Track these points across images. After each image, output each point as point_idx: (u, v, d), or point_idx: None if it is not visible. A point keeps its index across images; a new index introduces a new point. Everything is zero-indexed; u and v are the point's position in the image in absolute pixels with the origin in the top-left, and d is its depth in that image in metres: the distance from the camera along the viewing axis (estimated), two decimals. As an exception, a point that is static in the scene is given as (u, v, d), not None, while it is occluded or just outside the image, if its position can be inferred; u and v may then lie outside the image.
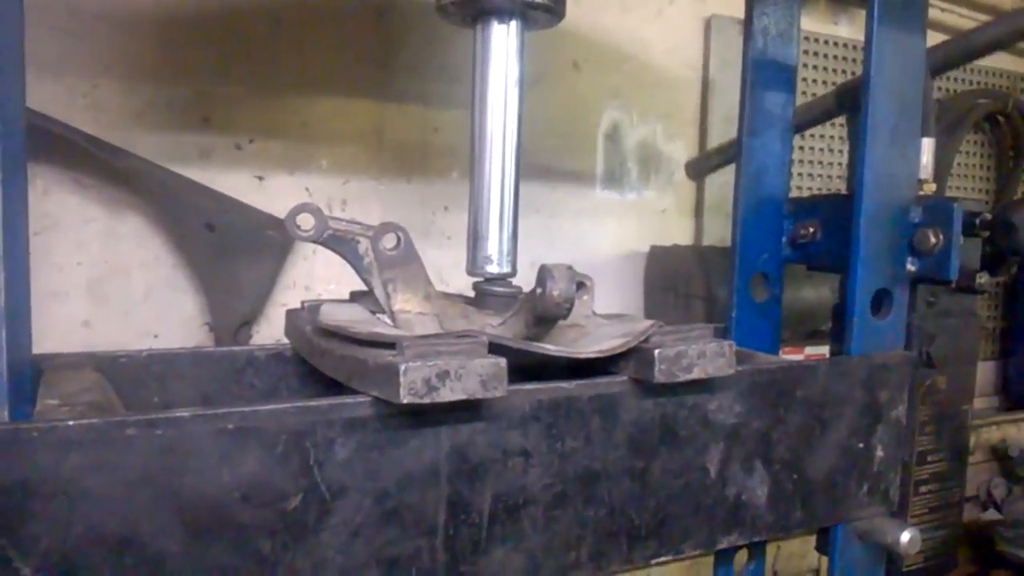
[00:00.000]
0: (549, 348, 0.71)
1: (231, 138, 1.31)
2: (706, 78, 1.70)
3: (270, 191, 1.33)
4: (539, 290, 0.71)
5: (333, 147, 1.38)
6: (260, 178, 1.34)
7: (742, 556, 1.07)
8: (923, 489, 1.02)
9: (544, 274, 0.71)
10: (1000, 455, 1.85)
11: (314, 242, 0.77)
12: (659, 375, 0.71)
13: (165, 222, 1.26)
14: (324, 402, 0.63)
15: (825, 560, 1.20)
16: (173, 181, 1.24)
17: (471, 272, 0.85)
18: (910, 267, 0.96)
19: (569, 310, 0.71)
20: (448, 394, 0.61)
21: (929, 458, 1.02)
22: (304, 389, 0.86)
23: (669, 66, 1.68)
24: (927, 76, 0.98)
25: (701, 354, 0.73)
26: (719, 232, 1.70)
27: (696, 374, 0.73)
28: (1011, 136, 2.11)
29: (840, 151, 1.84)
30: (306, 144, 1.36)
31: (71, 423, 0.55)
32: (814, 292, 1.43)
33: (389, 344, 0.66)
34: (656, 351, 0.71)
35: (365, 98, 1.39)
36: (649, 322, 0.76)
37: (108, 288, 1.26)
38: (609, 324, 0.82)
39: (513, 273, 0.86)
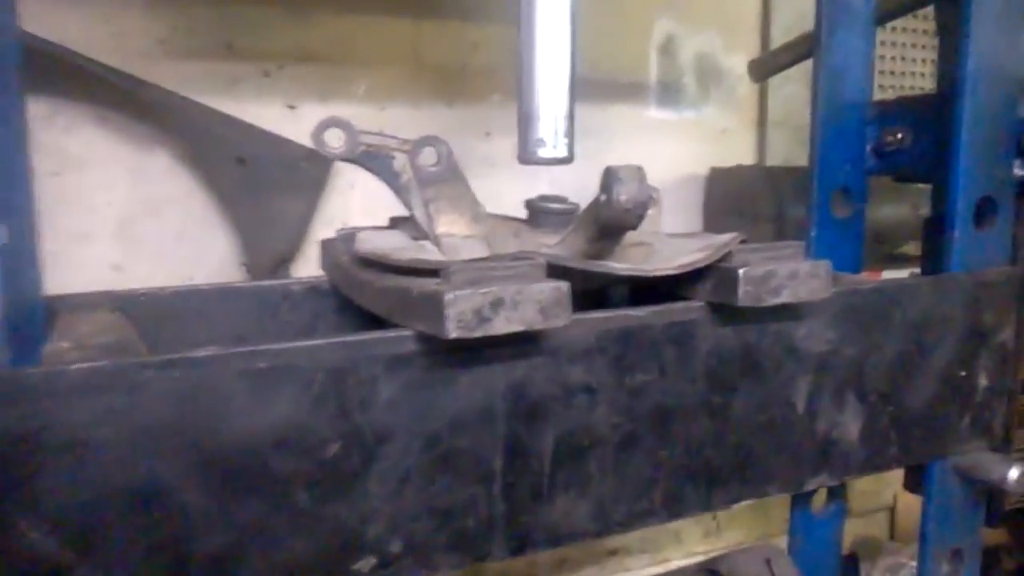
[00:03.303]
0: (617, 267, 0.62)
1: (259, 64, 1.23)
2: (768, -19, 1.56)
3: (303, 121, 1.24)
4: (603, 196, 0.62)
5: (368, 71, 1.28)
6: (292, 107, 1.25)
7: (820, 494, 0.99)
8: (1029, 420, 0.92)
9: (609, 176, 0.61)
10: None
11: (345, 159, 0.69)
12: (743, 298, 0.62)
13: (194, 157, 1.19)
14: (364, 336, 0.56)
15: (902, 496, 1.11)
16: (200, 113, 1.17)
17: (522, 158, 0.74)
18: (1018, 171, 0.86)
19: (640, 218, 0.62)
20: (503, 325, 0.54)
21: (1036, 387, 0.92)
22: (344, 325, 0.79)
23: (725, -32, 1.54)
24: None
25: (792, 275, 0.64)
26: (784, 151, 1.58)
27: (786, 298, 0.64)
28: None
29: (923, 46, 1.69)
30: (339, 68, 1.27)
31: (78, 367, 0.48)
32: (893, 209, 1.31)
33: (433, 271, 0.58)
34: (740, 271, 0.62)
35: (399, 14, 1.29)
36: (731, 235, 0.67)
37: (138, 229, 1.20)
38: (680, 241, 0.73)
39: (570, 158, 0.75)
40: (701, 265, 0.64)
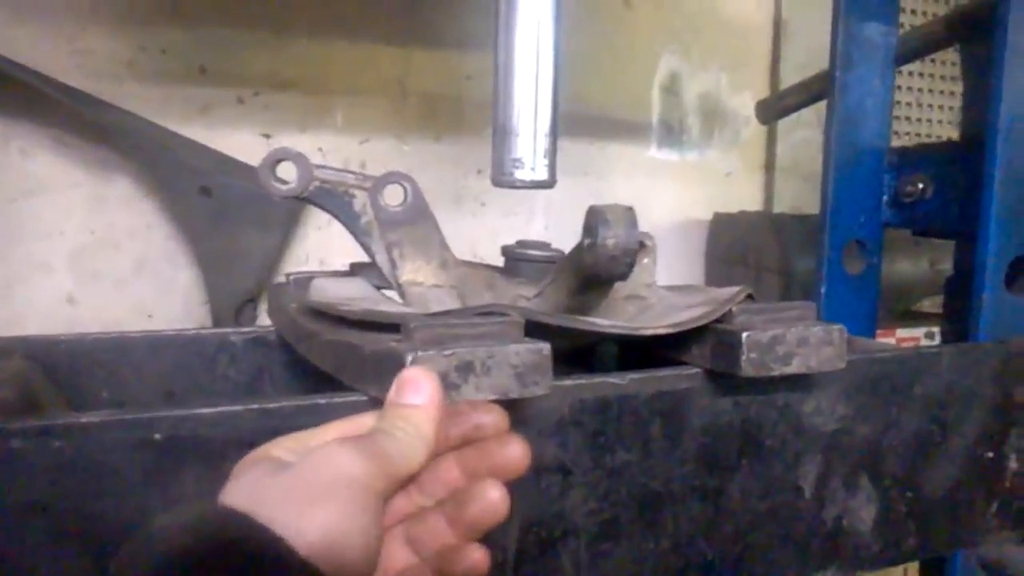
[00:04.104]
0: (601, 324, 0.53)
1: (233, 90, 1.15)
2: (778, 18, 1.49)
3: (278, 150, 1.17)
4: (587, 240, 0.53)
5: (349, 100, 1.21)
6: (266, 136, 1.18)
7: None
8: (1062, 506, 0.82)
9: (594, 217, 0.52)
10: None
11: (296, 197, 0.60)
12: (747, 367, 0.54)
13: (157, 186, 1.11)
14: (292, 402, 0.47)
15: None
16: (166, 139, 1.09)
17: (496, 180, 0.65)
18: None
19: (629, 267, 0.53)
20: (472, 393, 0.45)
21: (1070, 468, 0.82)
22: (292, 382, 0.70)
23: (735, 4, 1.47)
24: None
25: (803, 340, 0.55)
26: (792, 198, 1.50)
27: (795, 367, 0.55)
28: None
29: (939, 92, 1.61)
30: (318, 97, 1.19)
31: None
32: (910, 264, 1.22)
33: (391, 326, 0.49)
34: (743, 334, 0.53)
35: (386, 41, 1.22)
36: (734, 289, 0.58)
37: (95, 260, 1.12)
38: (678, 296, 0.64)
39: (551, 182, 0.65)
40: (698, 324, 0.55)
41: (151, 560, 0.32)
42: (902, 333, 1.27)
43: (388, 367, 0.45)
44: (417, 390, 0.42)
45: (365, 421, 0.43)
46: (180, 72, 1.12)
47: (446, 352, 0.46)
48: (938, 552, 0.75)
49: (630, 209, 0.54)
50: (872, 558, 0.70)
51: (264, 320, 1.15)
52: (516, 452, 0.44)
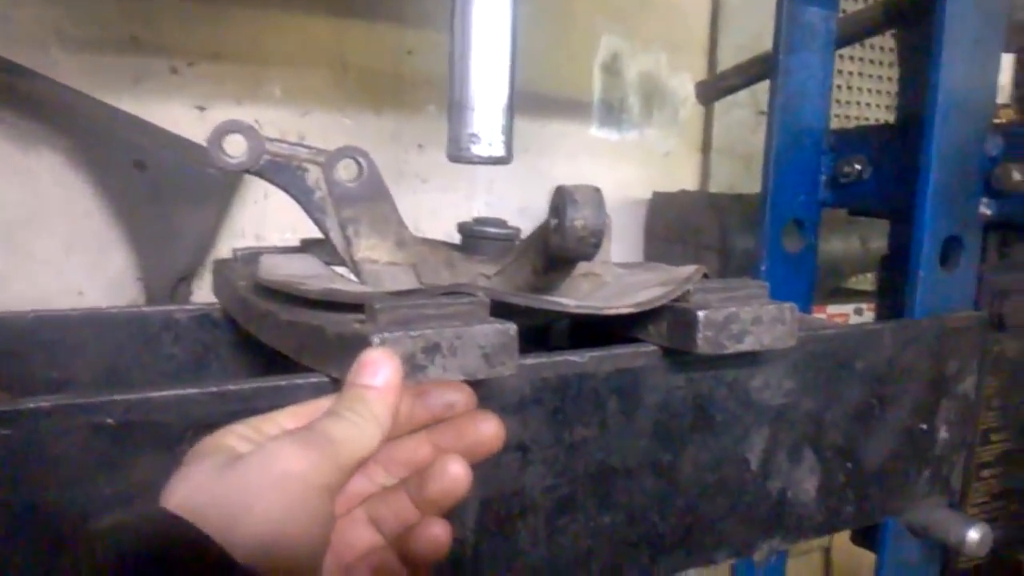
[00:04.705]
0: (569, 304, 0.53)
1: (166, 60, 1.11)
2: (716, 1, 1.50)
3: (213, 123, 1.13)
4: (554, 221, 0.53)
5: (289, 72, 1.18)
6: (201, 108, 1.14)
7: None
8: (985, 473, 0.86)
9: (562, 198, 0.52)
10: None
11: (247, 171, 0.59)
12: (702, 344, 0.54)
13: (89, 160, 1.07)
14: (252, 385, 0.46)
15: (838, 536, 1.05)
16: (97, 112, 1.05)
17: (452, 155, 0.64)
18: (985, 210, 0.80)
19: (596, 247, 0.53)
20: (439, 374, 0.45)
21: (994, 437, 0.86)
22: (239, 361, 0.68)
23: (675, -15, 1.48)
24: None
25: (756, 319, 0.56)
26: (728, 178, 1.52)
27: (749, 345, 0.56)
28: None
29: (871, 76, 1.65)
30: (256, 68, 1.16)
31: None
32: (841, 242, 1.26)
33: (355, 306, 0.48)
34: (700, 313, 0.54)
35: (323, 12, 1.19)
36: (692, 268, 0.59)
37: (23, 237, 1.07)
38: (632, 273, 0.64)
39: (508, 158, 0.65)
40: (660, 304, 0.56)
41: (91, 564, 0.32)
42: (833, 309, 1.32)
43: (353, 349, 0.44)
44: (376, 371, 0.42)
45: (323, 404, 0.42)
46: (110, 41, 1.08)
47: (412, 333, 0.45)
48: (875, 519, 0.78)
49: (598, 190, 0.54)
50: (814, 527, 0.72)
51: (199, 298, 1.13)
52: (491, 428, 0.44)
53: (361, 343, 0.44)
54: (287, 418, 0.41)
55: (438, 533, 0.42)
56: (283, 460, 0.36)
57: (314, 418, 0.40)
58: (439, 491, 0.42)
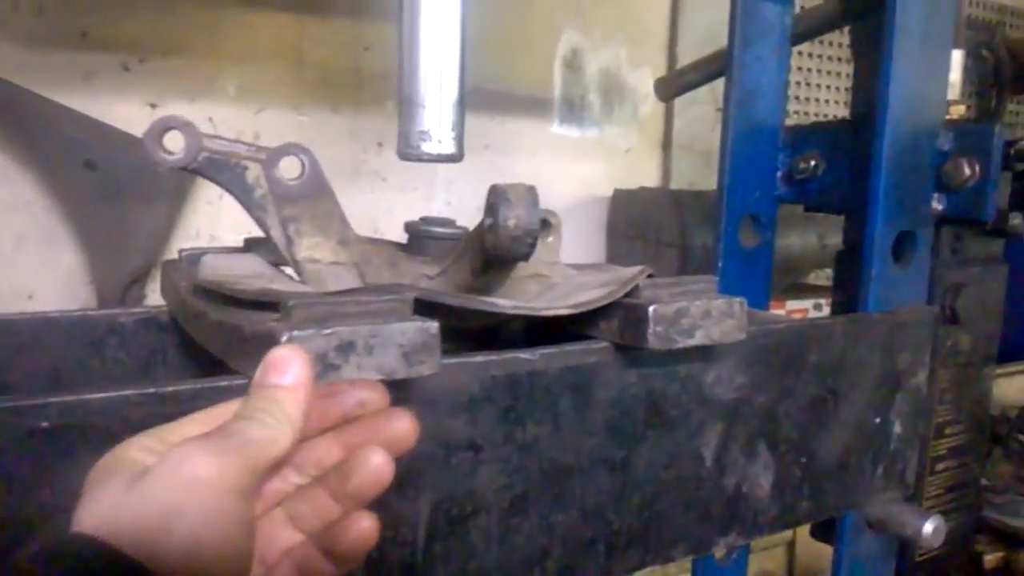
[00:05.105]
0: (502, 304, 0.53)
1: (117, 56, 1.09)
2: (675, -3, 1.51)
3: (167, 122, 1.11)
4: (488, 220, 0.52)
5: (243, 68, 1.16)
6: (153, 105, 1.12)
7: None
8: (939, 467, 0.87)
9: (495, 197, 0.52)
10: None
11: (184, 168, 0.57)
12: (653, 339, 0.54)
13: (37, 159, 1.04)
14: (191, 386, 0.45)
15: (801, 531, 1.05)
16: (46, 109, 1.02)
17: (402, 153, 0.63)
18: (936, 205, 0.81)
19: (531, 247, 0.53)
20: (354, 374, 0.44)
21: (947, 431, 0.87)
22: (186, 364, 0.67)
23: (634, -20, 1.48)
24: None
25: (706, 313, 0.56)
26: (689, 174, 1.53)
27: (699, 339, 0.56)
28: (993, 72, 1.96)
29: (828, 72, 1.67)
30: (210, 64, 1.14)
31: None
32: (799, 238, 1.27)
33: (273, 305, 0.47)
34: (650, 308, 0.54)
35: (279, 7, 1.17)
36: (637, 268, 0.59)
37: (-32, 239, 1.04)
38: (582, 274, 0.64)
39: (459, 155, 0.64)
40: (598, 305, 0.55)
41: None
42: (792, 305, 1.32)
43: (265, 347, 0.42)
44: (285, 370, 0.40)
45: (231, 408, 0.40)
46: (59, 36, 1.06)
47: (325, 331, 0.44)
48: (830, 514, 0.78)
49: (532, 188, 0.53)
50: (770, 522, 0.72)
51: (153, 300, 1.11)
52: (404, 425, 0.43)
53: (272, 341, 0.43)
54: (193, 425, 0.40)
55: (366, 526, 0.41)
56: (192, 467, 0.35)
57: (218, 424, 0.39)
58: (362, 483, 0.41)
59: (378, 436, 0.42)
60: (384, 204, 1.29)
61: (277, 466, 0.40)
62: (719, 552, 0.87)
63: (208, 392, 0.45)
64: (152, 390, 0.44)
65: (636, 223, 1.35)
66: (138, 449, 0.38)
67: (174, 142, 0.57)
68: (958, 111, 0.85)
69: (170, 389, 0.44)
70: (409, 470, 0.51)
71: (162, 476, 0.35)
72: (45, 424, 0.41)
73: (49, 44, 1.06)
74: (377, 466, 0.41)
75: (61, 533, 0.34)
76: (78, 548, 0.33)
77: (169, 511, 0.34)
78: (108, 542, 0.32)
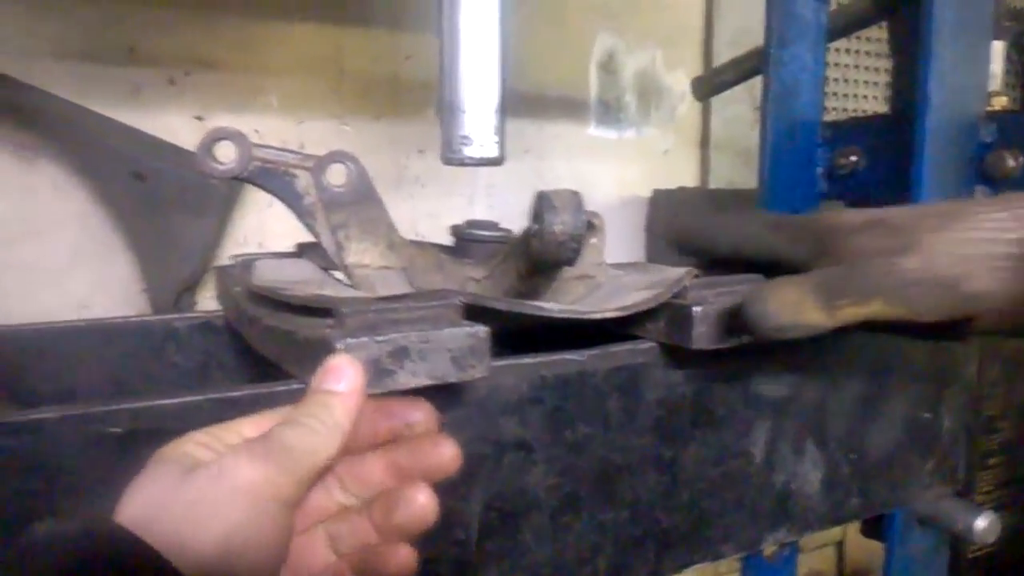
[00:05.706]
0: (550, 308, 0.54)
1: (164, 71, 1.12)
2: (710, -4, 1.50)
3: (212, 133, 1.13)
4: (534, 226, 0.53)
5: (285, 80, 1.18)
6: (199, 118, 1.14)
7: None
8: (991, 462, 0.86)
9: (541, 204, 0.52)
10: None
11: (236, 177, 0.59)
12: (699, 340, 0.54)
13: (88, 172, 1.07)
14: (253, 391, 0.46)
15: (851, 530, 1.04)
16: (92, 122, 1.05)
17: (445, 158, 0.64)
18: (981, 197, 0.80)
19: (576, 252, 0.54)
20: (408, 379, 0.45)
21: (998, 424, 0.86)
22: (241, 368, 0.68)
23: (667, -20, 1.48)
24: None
25: (752, 312, 0.56)
26: (728, 173, 1.52)
27: (746, 338, 0.56)
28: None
29: (866, 68, 1.65)
30: (252, 77, 1.16)
31: None
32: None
33: (326, 311, 0.48)
34: (695, 308, 0.54)
35: (318, 20, 1.19)
36: (683, 270, 0.59)
37: (25, 252, 1.07)
38: (627, 274, 0.65)
39: (501, 159, 0.64)
40: (645, 308, 0.56)
41: (25, 573, 0.31)
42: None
43: (319, 354, 0.44)
44: (340, 377, 0.41)
45: (285, 412, 0.42)
46: (107, 52, 1.08)
47: (379, 338, 0.45)
48: (880, 511, 0.78)
49: (576, 193, 0.54)
50: (819, 519, 0.72)
51: (204, 306, 1.13)
52: (448, 452, 0.44)
53: (326, 348, 0.44)
54: (249, 426, 0.41)
55: (403, 558, 0.42)
56: (238, 472, 0.36)
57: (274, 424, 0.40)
58: (404, 520, 0.42)
59: (423, 461, 0.43)
60: (425, 209, 1.30)
61: (322, 473, 0.41)
62: (768, 549, 0.86)
63: (267, 397, 0.46)
64: (217, 395, 0.45)
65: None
66: (194, 444, 0.39)
67: (225, 153, 0.59)
68: (1000, 102, 0.84)
69: (235, 394, 0.46)
70: (462, 470, 0.52)
71: (209, 477, 0.36)
72: (116, 430, 0.43)
73: (97, 60, 1.09)
74: (422, 506, 0.42)
75: (87, 515, 0.36)
76: (100, 535, 0.34)
77: (208, 511, 0.35)
78: (139, 531, 0.33)
